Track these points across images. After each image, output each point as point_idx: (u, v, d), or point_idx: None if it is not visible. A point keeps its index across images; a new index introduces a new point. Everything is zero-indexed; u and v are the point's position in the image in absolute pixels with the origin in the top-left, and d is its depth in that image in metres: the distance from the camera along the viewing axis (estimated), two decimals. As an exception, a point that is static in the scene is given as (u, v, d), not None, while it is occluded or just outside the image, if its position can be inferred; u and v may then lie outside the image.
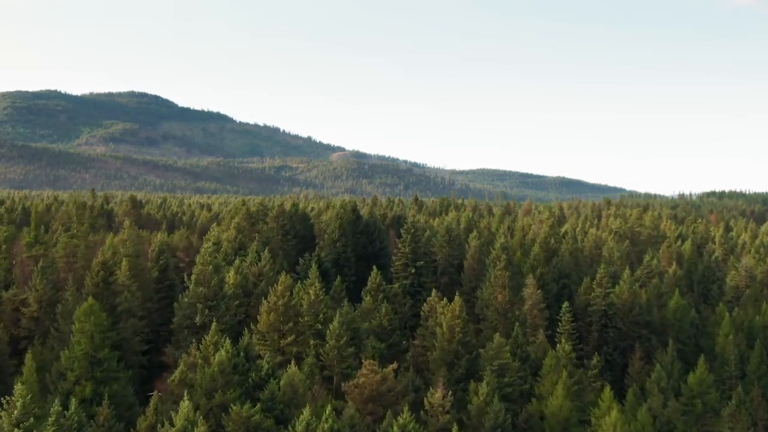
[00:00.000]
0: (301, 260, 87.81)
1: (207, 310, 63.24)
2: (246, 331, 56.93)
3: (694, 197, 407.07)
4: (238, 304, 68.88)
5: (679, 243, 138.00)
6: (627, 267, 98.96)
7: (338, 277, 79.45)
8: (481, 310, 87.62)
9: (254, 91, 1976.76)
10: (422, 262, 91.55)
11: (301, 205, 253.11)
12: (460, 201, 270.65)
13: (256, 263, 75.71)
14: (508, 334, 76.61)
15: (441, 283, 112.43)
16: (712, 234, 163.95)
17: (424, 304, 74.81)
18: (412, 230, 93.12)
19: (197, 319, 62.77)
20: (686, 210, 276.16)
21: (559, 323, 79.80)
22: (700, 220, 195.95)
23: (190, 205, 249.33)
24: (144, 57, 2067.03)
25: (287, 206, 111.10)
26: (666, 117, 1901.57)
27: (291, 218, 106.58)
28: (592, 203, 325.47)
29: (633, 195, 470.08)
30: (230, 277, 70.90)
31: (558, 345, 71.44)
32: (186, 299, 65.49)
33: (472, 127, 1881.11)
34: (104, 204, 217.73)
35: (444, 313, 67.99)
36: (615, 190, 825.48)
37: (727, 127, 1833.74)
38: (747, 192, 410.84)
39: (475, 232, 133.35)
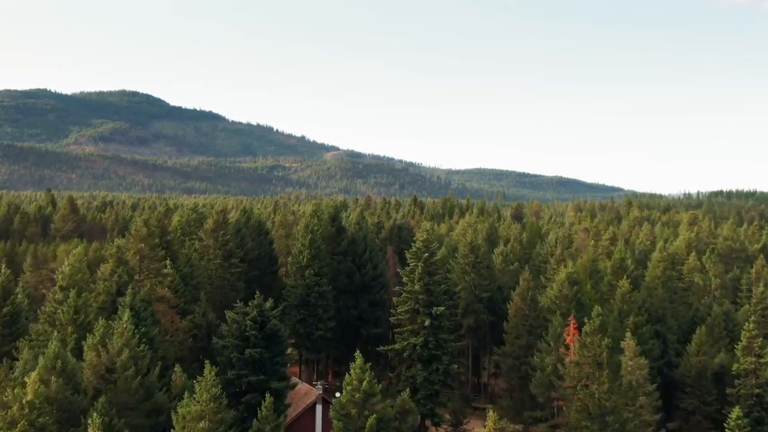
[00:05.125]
0: (230, 313, 47.38)
1: None
2: None
3: (699, 197, 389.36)
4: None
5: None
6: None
7: (268, 397, 35.19)
8: (543, 391, 51.63)
9: (247, 91, 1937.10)
10: (442, 308, 54.86)
11: (292, 206, 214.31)
12: (464, 201, 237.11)
13: (104, 344, 34.99)
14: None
15: (464, 327, 76.30)
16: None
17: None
18: (425, 254, 56.32)
19: None
20: (710, 211, 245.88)
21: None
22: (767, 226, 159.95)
23: (149, 206, 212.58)
24: (135, 56, 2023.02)
25: (234, 212, 74.22)
26: (663, 117, 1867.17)
27: (238, 231, 70.06)
28: (599, 203, 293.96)
29: (635, 195, 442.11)
30: (34, 377, 30.36)
31: None
32: None
33: (468, 127, 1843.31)
34: (43, 208, 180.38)
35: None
36: (613, 189, 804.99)
37: (724, 127, 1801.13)
38: (757, 191, 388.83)
39: (501, 248, 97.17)
